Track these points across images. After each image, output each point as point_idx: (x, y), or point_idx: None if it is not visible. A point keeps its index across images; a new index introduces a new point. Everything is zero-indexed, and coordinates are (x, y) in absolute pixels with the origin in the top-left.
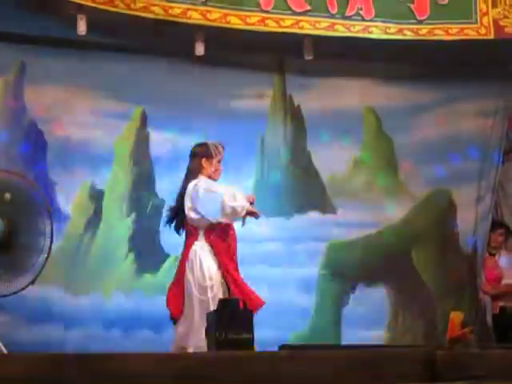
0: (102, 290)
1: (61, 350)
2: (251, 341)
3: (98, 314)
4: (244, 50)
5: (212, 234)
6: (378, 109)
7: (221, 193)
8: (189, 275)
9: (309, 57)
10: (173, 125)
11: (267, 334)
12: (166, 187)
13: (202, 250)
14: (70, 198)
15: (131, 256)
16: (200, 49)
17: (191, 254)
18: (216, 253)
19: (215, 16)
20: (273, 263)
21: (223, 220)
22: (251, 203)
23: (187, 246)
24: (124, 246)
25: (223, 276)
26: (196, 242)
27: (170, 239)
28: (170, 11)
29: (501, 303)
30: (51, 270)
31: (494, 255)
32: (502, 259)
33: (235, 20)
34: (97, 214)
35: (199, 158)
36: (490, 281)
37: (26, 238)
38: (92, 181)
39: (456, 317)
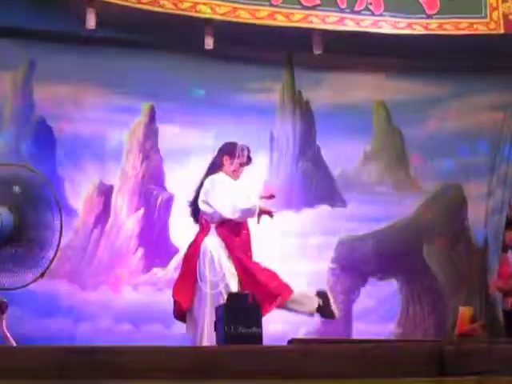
0: (112, 285)
1: (69, 344)
2: (260, 335)
3: (107, 308)
4: (253, 45)
5: (224, 229)
6: (388, 103)
7: (236, 191)
8: (201, 270)
9: (318, 51)
10: (182, 119)
11: (277, 328)
12: (175, 182)
13: (212, 246)
14: (80, 194)
15: (140, 251)
16: (209, 43)
17: (202, 250)
18: (228, 246)
19: (224, 10)
20: (283, 257)
21: (235, 218)
22: (272, 197)
23: (197, 239)
24: (133, 240)
25: (236, 268)
26: (206, 238)
27: (179, 234)
28: (179, 5)
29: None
30: (61, 265)
31: (506, 252)
32: None
33: (244, 14)
34: (106, 209)
35: (222, 155)
36: (501, 277)
37: (35, 232)
38: (101, 176)
39: (466, 312)
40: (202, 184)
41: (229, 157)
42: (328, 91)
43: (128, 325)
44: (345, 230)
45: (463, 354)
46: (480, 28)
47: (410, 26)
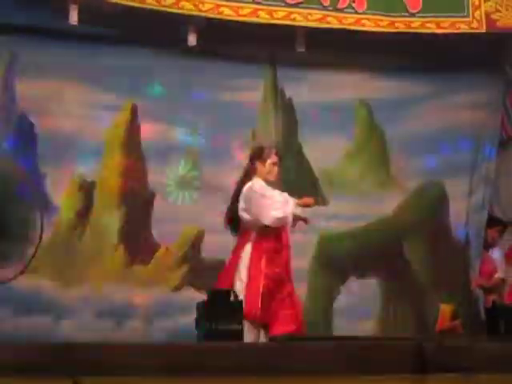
0: (93, 281)
1: (50, 341)
2: (241, 332)
3: (88, 304)
4: (236, 42)
5: (262, 236)
6: (370, 101)
7: (274, 199)
8: (237, 278)
9: (301, 49)
10: (163, 116)
11: None
12: (156, 178)
13: (249, 254)
14: (61, 190)
15: (122, 247)
16: (192, 40)
17: (241, 258)
18: (253, 255)
19: (207, 7)
20: None
21: (273, 225)
22: (309, 206)
23: (238, 246)
24: (114, 237)
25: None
26: (246, 245)
27: (161, 230)
28: (162, 1)
29: (493, 297)
30: (41, 261)
31: (487, 250)
32: (495, 252)
33: (227, 11)
34: (87, 206)
35: (253, 161)
36: (483, 274)
37: (15, 229)
38: (82, 172)
39: (446, 309)
40: (239, 191)
41: (260, 161)
42: (310, 89)
43: (109, 321)
44: (326, 227)
45: (444, 352)
46: (462, 27)
47: (392, 24)
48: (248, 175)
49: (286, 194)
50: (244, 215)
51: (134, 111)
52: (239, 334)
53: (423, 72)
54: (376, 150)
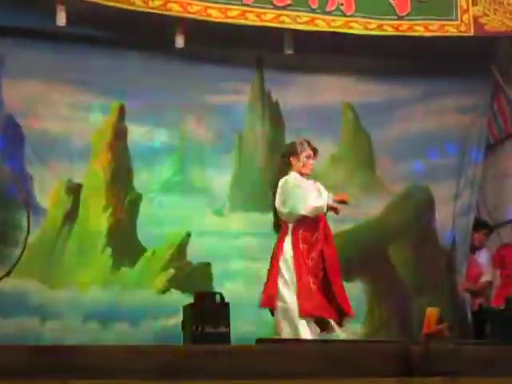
0: (79, 283)
1: (37, 343)
2: (228, 335)
3: (74, 306)
4: (224, 44)
5: (300, 229)
6: (356, 105)
7: (308, 189)
8: (283, 273)
9: (289, 51)
10: (151, 119)
11: (244, 328)
12: (143, 181)
13: (290, 247)
14: (48, 192)
15: (108, 250)
16: (180, 42)
17: (283, 252)
18: (294, 247)
19: (195, 9)
20: (249, 258)
21: (308, 214)
22: (345, 202)
23: (279, 241)
24: (101, 239)
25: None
26: (286, 238)
27: (147, 233)
28: (150, 3)
29: (480, 300)
30: (28, 263)
31: (474, 253)
32: (482, 255)
33: (216, 13)
34: (74, 208)
35: (287, 157)
36: (470, 278)
37: (1, 230)
38: (69, 174)
39: (432, 312)
40: (276, 189)
41: (294, 156)
42: (297, 92)
43: (96, 323)
44: None
45: (430, 355)
46: (450, 30)
47: (380, 27)
48: (283, 171)
49: (318, 184)
50: (281, 209)
51: (121, 113)
52: (226, 337)
53: (410, 76)
54: (362, 154)
